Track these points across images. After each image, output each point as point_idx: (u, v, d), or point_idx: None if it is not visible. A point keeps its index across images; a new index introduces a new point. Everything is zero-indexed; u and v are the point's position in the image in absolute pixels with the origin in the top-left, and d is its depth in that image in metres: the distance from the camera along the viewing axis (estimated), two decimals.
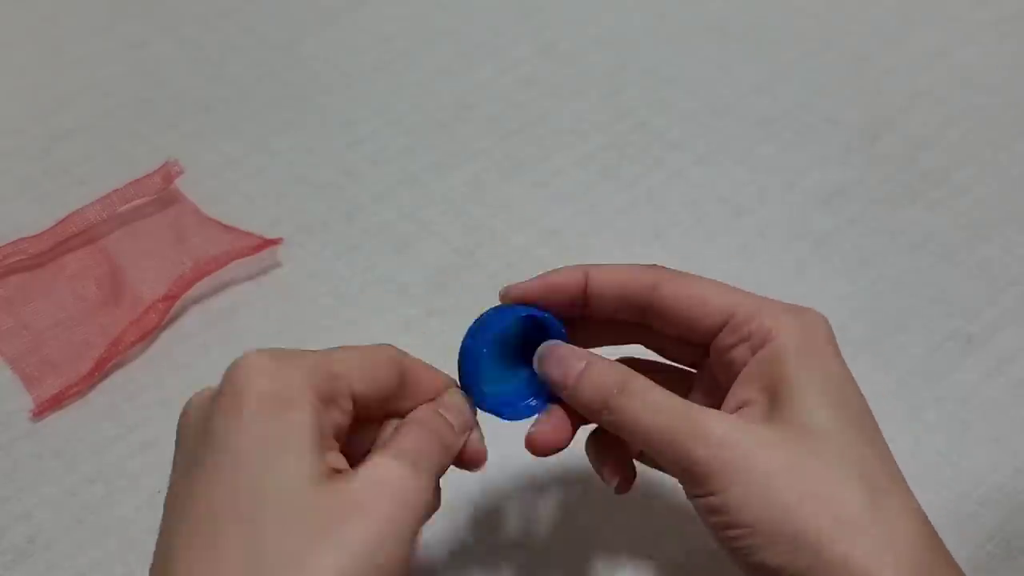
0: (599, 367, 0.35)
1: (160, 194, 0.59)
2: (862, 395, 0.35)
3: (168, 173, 0.59)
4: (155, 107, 0.67)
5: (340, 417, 0.32)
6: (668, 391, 0.34)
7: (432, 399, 0.35)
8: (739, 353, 0.35)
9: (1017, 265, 0.57)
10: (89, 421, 0.50)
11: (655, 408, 0.33)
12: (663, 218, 0.60)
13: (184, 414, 0.33)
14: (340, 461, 0.31)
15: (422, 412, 0.34)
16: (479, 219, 0.60)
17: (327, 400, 0.31)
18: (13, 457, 0.49)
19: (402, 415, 0.35)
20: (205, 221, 0.58)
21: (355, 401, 0.32)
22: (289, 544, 0.28)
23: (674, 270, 0.37)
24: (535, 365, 0.37)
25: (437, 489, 0.32)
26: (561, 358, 0.36)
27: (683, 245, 0.58)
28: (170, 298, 0.53)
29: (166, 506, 0.31)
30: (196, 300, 0.55)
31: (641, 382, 0.34)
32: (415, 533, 0.30)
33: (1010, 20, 0.73)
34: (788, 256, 0.58)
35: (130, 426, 0.50)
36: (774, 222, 0.59)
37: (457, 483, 0.37)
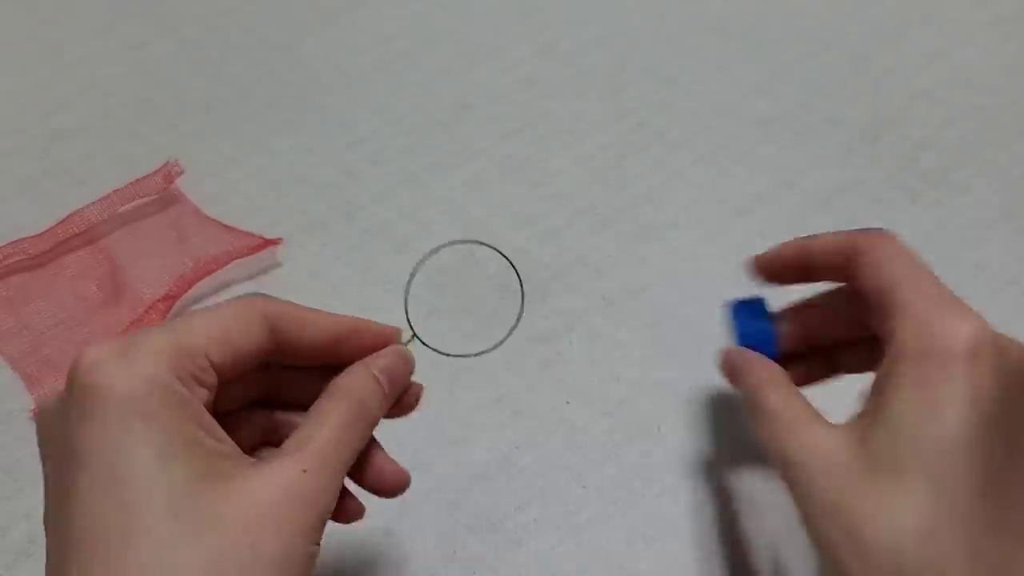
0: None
1: (161, 194, 0.59)
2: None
3: (168, 173, 0.59)
4: (155, 107, 0.67)
5: (206, 393, 0.30)
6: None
7: (360, 349, 0.35)
8: (888, 327, 0.35)
9: (1017, 265, 0.57)
10: None
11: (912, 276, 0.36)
12: (663, 218, 0.60)
13: (39, 424, 0.31)
14: (220, 444, 0.30)
15: (349, 377, 0.33)
16: (479, 219, 0.60)
17: (185, 381, 0.29)
18: (14, 457, 0.49)
19: (338, 359, 0.34)
20: (205, 221, 0.58)
21: (217, 368, 0.31)
22: (169, 560, 0.26)
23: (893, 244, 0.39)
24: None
25: (344, 473, 0.32)
26: (405, 354, 0.36)
27: (683, 245, 0.58)
28: (170, 298, 0.53)
29: (46, 527, 0.29)
30: (196, 300, 0.55)
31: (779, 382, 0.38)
32: (314, 535, 0.29)
33: (1010, 20, 0.73)
34: None
35: None
36: (774, 222, 0.59)
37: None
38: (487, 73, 0.70)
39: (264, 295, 0.33)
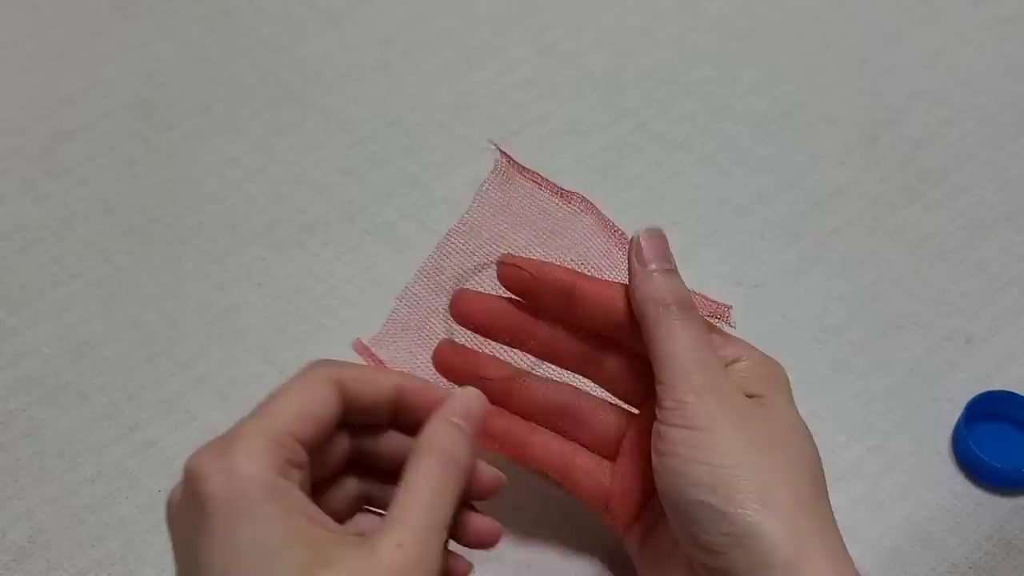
0: (678, 276, 0.39)
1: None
2: (798, 436, 0.38)
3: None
4: (155, 107, 0.67)
5: (300, 474, 0.32)
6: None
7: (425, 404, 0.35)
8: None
9: (1016, 265, 0.57)
10: (89, 421, 0.50)
11: (694, 338, 0.37)
12: (663, 218, 0.60)
13: (168, 515, 0.33)
14: (323, 528, 0.31)
15: (431, 433, 0.33)
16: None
17: (283, 470, 0.31)
18: (14, 457, 0.49)
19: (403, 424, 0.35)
20: None
21: (305, 446, 0.32)
22: None
23: None
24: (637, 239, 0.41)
25: (446, 533, 0.32)
26: (660, 247, 0.40)
27: (683, 245, 0.58)
28: None
29: None
30: (196, 300, 0.55)
31: (686, 310, 0.38)
32: None
33: (1010, 21, 0.73)
34: (788, 256, 0.58)
35: (130, 426, 0.50)
36: (774, 222, 0.60)
37: None
38: (487, 73, 0.70)
39: (325, 360, 0.34)
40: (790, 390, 0.39)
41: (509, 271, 0.40)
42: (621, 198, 0.61)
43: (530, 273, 0.40)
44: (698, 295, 0.40)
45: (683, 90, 0.68)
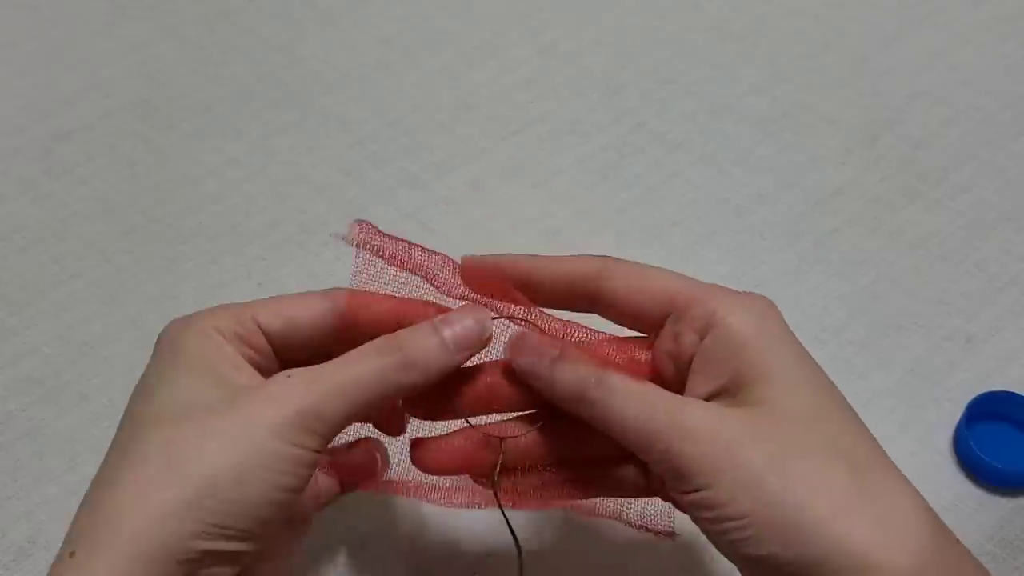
0: (574, 356, 0.34)
1: None
2: (827, 376, 0.34)
3: None
4: (155, 107, 0.67)
5: (253, 352, 0.35)
6: (646, 381, 0.33)
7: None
8: (687, 339, 0.34)
9: (1016, 265, 0.57)
10: (89, 421, 0.50)
11: (635, 402, 0.32)
12: (663, 218, 0.60)
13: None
14: (241, 374, 0.34)
15: (408, 328, 0.34)
16: (479, 219, 0.60)
17: (224, 333, 0.35)
18: (14, 457, 0.49)
19: None
20: None
21: (271, 337, 0.36)
22: (152, 432, 0.32)
23: (623, 260, 0.37)
24: (508, 356, 0.35)
25: (353, 399, 0.33)
26: (534, 347, 0.35)
27: (683, 245, 0.58)
28: None
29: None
30: (196, 300, 0.55)
31: (618, 376, 0.33)
32: (299, 438, 0.31)
33: (1009, 20, 0.73)
34: (788, 256, 0.58)
35: None
36: (774, 222, 0.60)
37: None
38: (487, 73, 0.70)
39: (351, 290, 0.37)
40: (779, 344, 0.34)
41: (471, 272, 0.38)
42: (621, 198, 0.61)
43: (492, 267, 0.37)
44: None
45: (683, 90, 0.68)
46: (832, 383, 0.34)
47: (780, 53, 0.71)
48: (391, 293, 0.37)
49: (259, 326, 0.36)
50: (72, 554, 0.30)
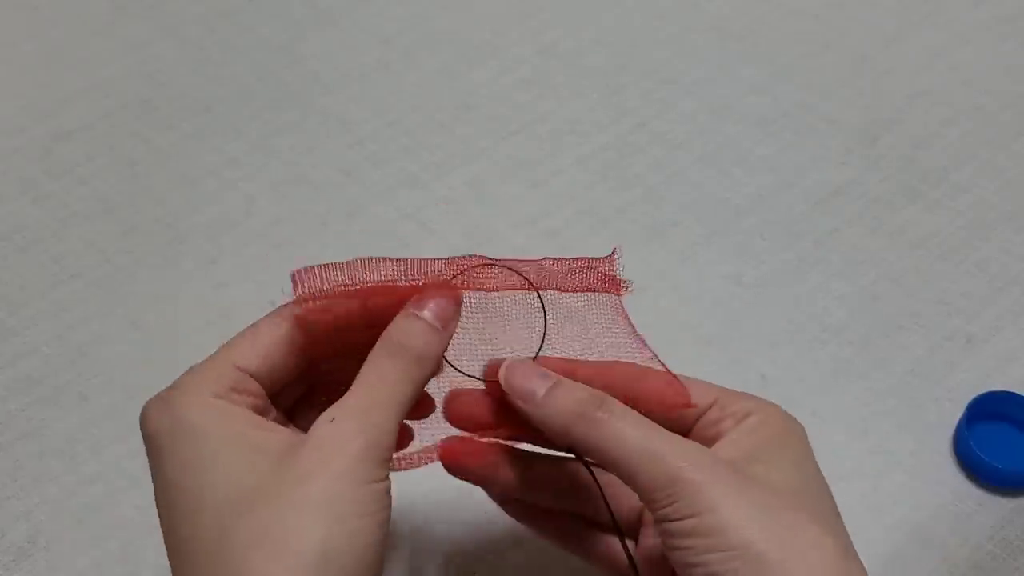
0: (571, 384, 0.35)
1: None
2: (828, 488, 0.35)
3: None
4: (155, 107, 0.67)
5: (247, 399, 0.33)
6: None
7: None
8: (725, 425, 0.35)
9: (1016, 265, 0.57)
10: (89, 421, 0.50)
11: (637, 424, 0.33)
12: (663, 218, 0.60)
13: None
14: (268, 432, 0.32)
15: (391, 328, 0.34)
16: (479, 219, 0.60)
17: (222, 394, 0.33)
18: (14, 457, 0.49)
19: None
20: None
21: (255, 376, 0.34)
22: (239, 529, 0.30)
23: (651, 368, 0.37)
24: (502, 383, 0.36)
25: (397, 410, 0.33)
26: (528, 373, 0.35)
27: (683, 245, 0.58)
28: None
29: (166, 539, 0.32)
30: (196, 300, 0.55)
31: (615, 401, 0.34)
32: (373, 473, 0.31)
33: (1009, 20, 0.73)
34: (788, 256, 0.58)
35: (130, 426, 0.50)
36: (774, 222, 0.60)
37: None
38: (487, 73, 0.70)
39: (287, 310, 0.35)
40: (803, 445, 0.35)
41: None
42: (621, 198, 0.61)
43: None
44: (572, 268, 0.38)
45: (683, 90, 0.68)
46: (830, 493, 0.35)
47: (780, 53, 0.71)
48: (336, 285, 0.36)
49: (243, 371, 0.34)
50: None
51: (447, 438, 0.38)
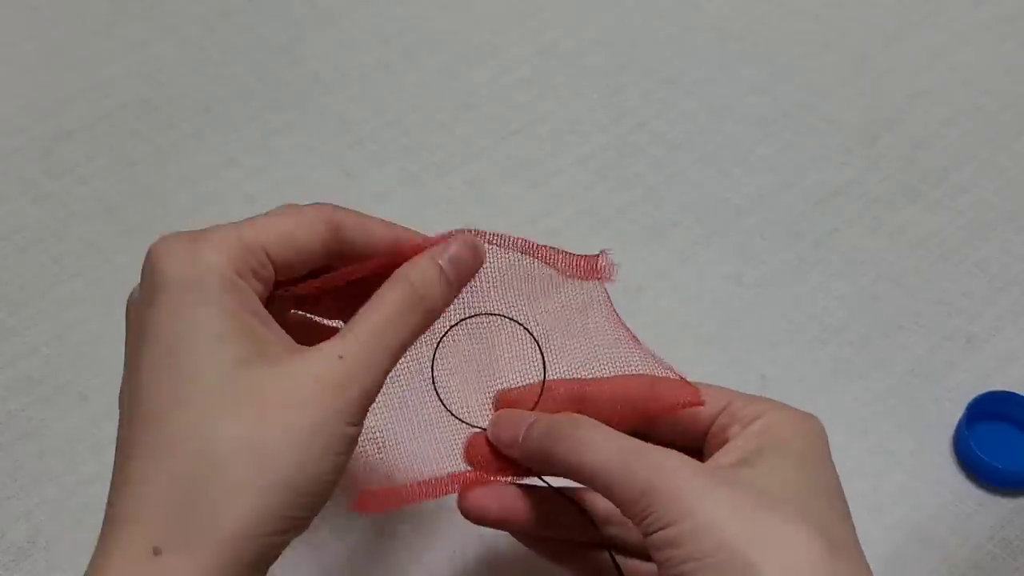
0: (547, 417, 0.35)
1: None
2: (841, 488, 0.34)
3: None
4: (155, 107, 0.67)
5: (262, 287, 0.33)
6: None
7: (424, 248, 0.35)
8: (732, 431, 0.35)
9: (1016, 265, 0.57)
10: (89, 421, 0.50)
11: (612, 439, 0.33)
12: (663, 218, 0.60)
13: (126, 309, 0.35)
14: (271, 332, 0.32)
15: (409, 271, 0.34)
16: (479, 219, 0.60)
17: (243, 274, 0.32)
18: (13, 457, 0.49)
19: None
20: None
21: (278, 264, 0.33)
22: (208, 430, 0.29)
23: (665, 378, 0.37)
24: (490, 438, 0.37)
25: (395, 359, 0.32)
26: (512, 422, 0.36)
27: (683, 245, 0.58)
28: None
29: (120, 404, 0.32)
30: None
31: (591, 420, 0.34)
32: (357, 417, 0.31)
33: (1009, 20, 0.73)
34: (788, 256, 0.58)
35: None
36: (774, 222, 0.60)
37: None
38: (487, 73, 0.70)
39: (334, 205, 0.35)
40: (810, 446, 0.34)
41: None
42: (621, 198, 0.61)
43: None
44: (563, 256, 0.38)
45: (683, 90, 0.68)
46: (842, 495, 0.34)
47: (780, 53, 0.71)
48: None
49: (268, 256, 0.33)
50: (157, 551, 0.29)
51: (458, 478, 0.38)
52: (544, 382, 0.38)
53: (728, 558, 0.29)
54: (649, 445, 0.33)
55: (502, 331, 0.38)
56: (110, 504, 0.30)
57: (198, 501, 0.29)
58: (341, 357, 0.31)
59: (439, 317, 0.35)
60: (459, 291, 0.35)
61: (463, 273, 0.35)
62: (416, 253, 0.35)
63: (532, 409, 0.38)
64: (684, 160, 0.63)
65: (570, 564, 0.40)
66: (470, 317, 0.38)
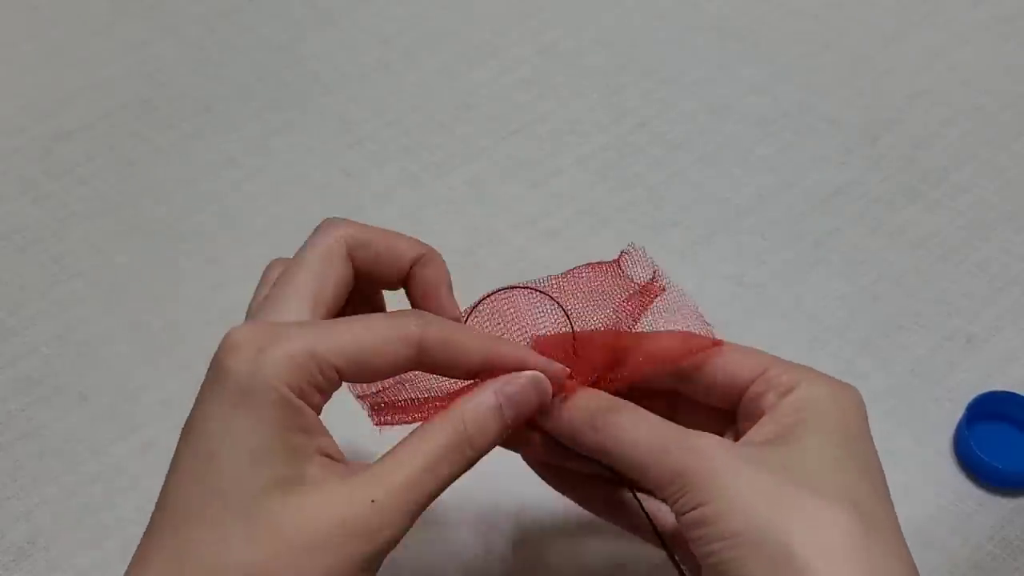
0: (582, 390, 0.35)
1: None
2: (879, 464, 0.34)
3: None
4: (155, 107, 0.67)
5: (322, 399, 0.31)
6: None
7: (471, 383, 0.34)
8: (768, 399, 0.34)
9: (1017, 265, 0.57)
10: (89, 421, 0.50)
11: (647, 423, 0.33)
12: (663, 218, 0.60)
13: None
14: (318, 448, 0.31)
15: (466, 410, 0.32)
16: (479, 219, 0.60)
17: (306, 390, 0.30)
18: (14, 457, 0.49)
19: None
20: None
21: (344, 377, 0.31)
22: (222, 555, 0.28)
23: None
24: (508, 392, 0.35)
25: (429, 502, 0.31)
26: (539, 383, 0.35)
27: (683, 245, 0.58)
28: None
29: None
30: (196, 300, 0.55)
31: (628, 403, 0.34)
32: (367, 563, 0.30)
33: (1009, 20, 0.73)
34: (788, 256, 0.58)
35: (130, 426, 0.50)
36: (774, 222, 0.60)
37: None
38: (487, 73, 0.70)
39: (422, 315, 0.33)
40: (848, 421, 0.34)
41: None
42: (621, 198, 0.61)
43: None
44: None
45: (683, 90, 0.68)
46: (879, 467, 0.33)
47: (780, 53, 0.71)
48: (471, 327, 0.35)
49: (337, 371, 0.31)
50: None
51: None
52: (575, 333, 0.37)
53: (761, 537, 0.29)
54: (684, 429, 0.33)
55: (531, 311, 0.38)
56: None
57: None
58: (373, 502, 0.30)
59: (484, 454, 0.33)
60: (512, 430, 0.34)
61: (521, 414, 0.33)
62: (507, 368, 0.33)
63: (569, 358, 0.36)
64: (684, 160, 0.63)
65: (584, 499, 0.39)
66: (494, 292, 0.37)
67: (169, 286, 0.56)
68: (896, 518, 0.32)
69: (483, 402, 0.32)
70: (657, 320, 0.38)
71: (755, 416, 0.35)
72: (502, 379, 0.33)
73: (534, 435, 0.37)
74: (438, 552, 0.45)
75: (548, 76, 0.69)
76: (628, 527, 0.39)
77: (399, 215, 0.60)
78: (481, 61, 0.70)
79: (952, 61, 0.70)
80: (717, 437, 0.33)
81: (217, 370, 0.30)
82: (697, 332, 0.37)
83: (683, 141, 0.64)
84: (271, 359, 0.30)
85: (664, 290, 0.38)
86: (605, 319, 0.38)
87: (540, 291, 0.37)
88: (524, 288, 0.37)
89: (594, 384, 0.36)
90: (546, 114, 0.66)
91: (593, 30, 0.73)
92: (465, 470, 0.32)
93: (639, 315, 0.38)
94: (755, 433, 0.34)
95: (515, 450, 0.38)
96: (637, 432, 0.33)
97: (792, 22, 0.73)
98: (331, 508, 0.30)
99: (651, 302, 0.38)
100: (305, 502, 0.29)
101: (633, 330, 0.37)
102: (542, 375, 0.34)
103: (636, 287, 0.38)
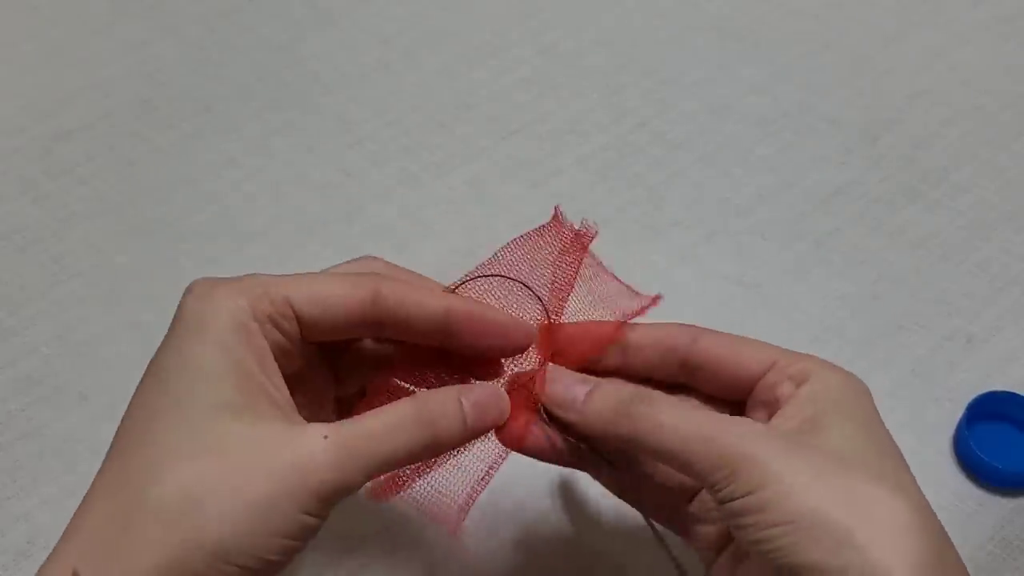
0: (610, 383, 0.35)
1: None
2: (899, 448, 0.34)
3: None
4: (155, 107, 0.67)
5: (282, 339, 0.32)
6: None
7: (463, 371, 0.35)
8: (784, 389, 0.35)
9: (1017, 265, 0.57)
10: (89, 421, 0.50)
11: (686, 410, 0.33)
12: (663, 218, 0.60)
13: None
14: (271, 386, 0.31)
15: (432, 400, 0.33)
16: (479, 219, 0.60)
17: (259, 317, 0.32)
18: (13, 457, 0.49)
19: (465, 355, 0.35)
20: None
21: (301, 320, 0.33)
22: (167, 466, 0.29)
23: (711, 329, 0.37)
24: (537, 391, 0.36)
25: (378, 470, 0.31)
26: (569, 381, 0.35)
27: (683, 245, 0.58)
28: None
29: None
30: None
31: (659, 392, 0.34)
32: (315, 507, 0.30)
33: (1009, 20, 0.73)
34: (788, 256, 0.58)
35: None
36: (774, 222, 0.60)
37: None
38: (487, 73, 0.70)
39: (383, 271, 0.35)
40: (865, 407, 0.34)
41: None
42: (621, 198, 0.61)
43: None
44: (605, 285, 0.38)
45: (683, 90, 0.68)
46: (899, 452, 0.34)
47: (780, 53, 0.71)
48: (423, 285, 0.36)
49: (292, 309, 0.33)
50: (76, 574, 0.29)
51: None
52: (549, 322, 0.37)
53: (816, 521, 0.29)
54: (725, 416, 0.33)
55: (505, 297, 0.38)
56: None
57: (121, 542, 0.29)
58: (326, 437, 0.30)
59: (444, 454, 0.34)
60: (473, 438, 0.34)
61: (481, 419, 0.34)
62: (473, 331, 0.34)
63: (546, 351, 0.37)
64: (684, 160, 0.63)
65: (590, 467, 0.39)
66: (469, 280, 0.37)
67: (169, 286, 0.56)
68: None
69: (445, 394, 0.33)
70: (581, 291, 0.39)
71: (769, 405, 0.35)
72: (467, 386, 0.34)
73: (536, 431, 0.37)
74: (438, 552, 0.45)
75: (548, 76, 0.69)
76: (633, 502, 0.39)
77: (399, 215, 0.60)
78: (481, 61, 0.70)
79: (952, 61, 0.70)
80: (759, 423, 0.33)
81: (176, 312, 0.32)
82: (632, 292, 0.38)
83: (683, 141, 0.64)
84: (223, 290, 0.32)
85: (597, 233, 0.38)
86: (551, 277, 0.38)
87: (514, 280, 0.38)
88: (494, 276, 0.37)
89: (577, 362, 0.37)
90: (546, 114, 0.66)
91: (593, 30, 0.73)
92: (423, 451, 0.32)
93: (578, 264, 0.38)
94: (782, 421, 0.34)
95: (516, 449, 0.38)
96: (676, 420, 0.32)
97: (792, 22, 0.73)
98: (280, 436, 0.30)
99: (586, 249, 0.38)
100: (255, 428, 0.30)
101: (573, 282, 0.38)
102: (501, 392, 0.35)
103: (570, 235, 0.38)
